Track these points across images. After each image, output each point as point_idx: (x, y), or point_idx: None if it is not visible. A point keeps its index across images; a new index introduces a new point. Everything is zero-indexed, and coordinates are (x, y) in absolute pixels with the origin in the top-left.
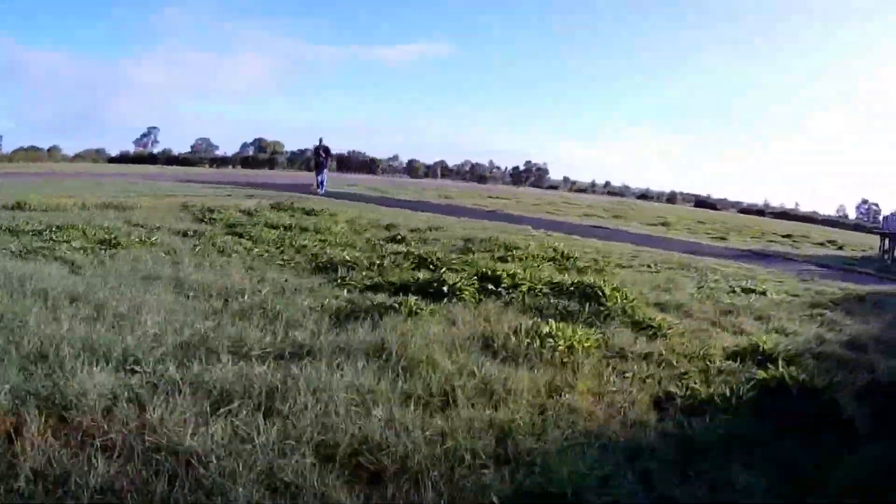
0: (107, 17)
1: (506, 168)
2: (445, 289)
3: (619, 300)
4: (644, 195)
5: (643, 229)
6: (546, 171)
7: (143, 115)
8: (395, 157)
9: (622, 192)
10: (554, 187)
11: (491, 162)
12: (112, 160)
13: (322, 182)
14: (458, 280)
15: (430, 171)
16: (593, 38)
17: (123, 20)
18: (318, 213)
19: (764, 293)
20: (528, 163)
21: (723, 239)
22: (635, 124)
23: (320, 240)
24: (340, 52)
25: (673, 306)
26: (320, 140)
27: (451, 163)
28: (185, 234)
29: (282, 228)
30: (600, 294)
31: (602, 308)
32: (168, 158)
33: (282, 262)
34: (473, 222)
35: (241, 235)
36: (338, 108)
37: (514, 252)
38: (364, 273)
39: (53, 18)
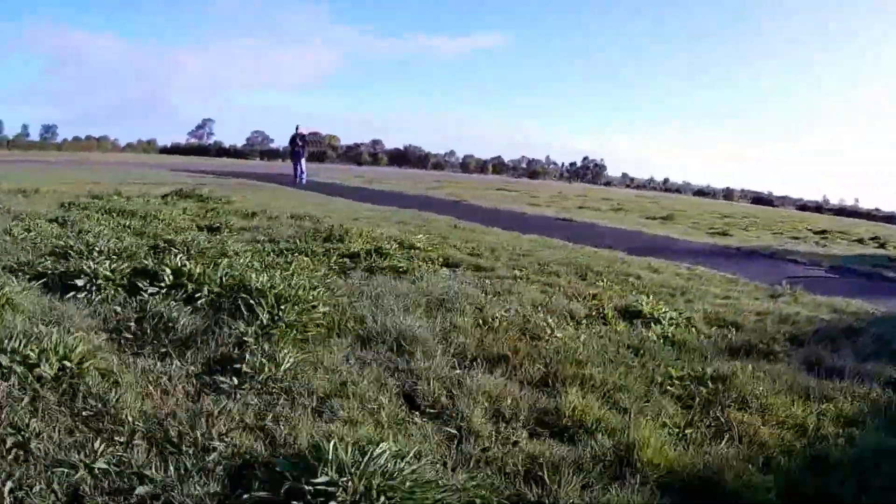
0: (166, 5)
1: (562, 164)
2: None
3: None
4: (701, 192)
5: (628, 224)
6: (603, 168)
7: (199, 107)
8: (452, 153)
9: (680, 188)
10: (608, 184)
11: (548, 158)
12: (163, 150)
13: (301, 172)
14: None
15: (485, 166)
16: (659, 32)
17: (182, 8)
18: (208, 199)
19: (658, 321)
20: (585, 159)
21: (725, 235)
22: (704, 124)
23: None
24: (398, 44)
25: None
26: (297, 128)
27: (507, 158)
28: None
29: (129, 216)
30: None
31: None
32: (219, 150)
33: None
34: (377, 211)
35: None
36: (395, 101)
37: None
38: None
39: (111, 7)
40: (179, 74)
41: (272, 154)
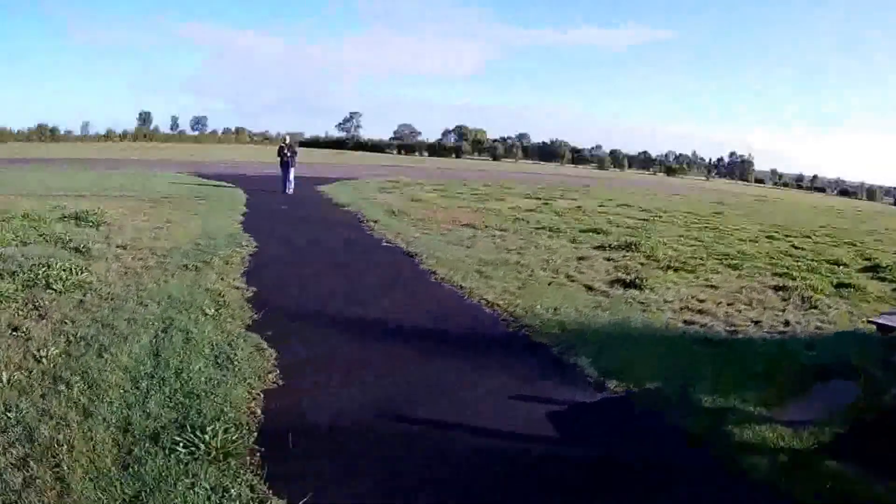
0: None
1: (709, 160)
2: None
3: None
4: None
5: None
6: (751, 164)
7: (350, 100)
8: (598, 147)
9: (826, 187)
10: (760, 181)
11: (694, 153)
12: (303, 144)
13: (288, 182)
14: None
15: (632, 161)
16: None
17: (332, 4)
18: None
19: None
20: (732, 154)
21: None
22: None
23: None
24: (549, 36)
25: None
26: (285, 139)
27: (654, 153)
28: None
29: None
30: None
31: None
32: (355, 144)
33: None
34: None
35: None
36: (545, 95)
37: None
38: None
39: (263, 2)
40: (333, 69)
41: (409, 148)
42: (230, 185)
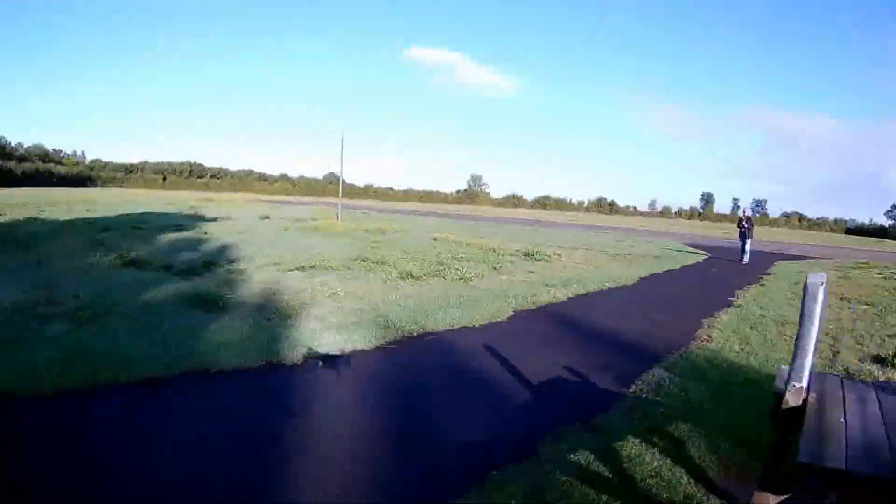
0: (866, 81)
1: None
2: None
3: None
4: None
5: None
6: None
7: None
8: None
9: None
10: None
11: None
12: (849, 231)
13: (744, 252)
14: None
15: None
16: None
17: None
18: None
19: None
20: None
21: None
22: None
23: None
24: None
25: None
26: (743, 210)
27: None
28: None
29: None
30: None
31: None
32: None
33: None
34: None
35: None
36: None
37: None
38: None
39: (821, 85)
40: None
41: None
42: (701, 252)
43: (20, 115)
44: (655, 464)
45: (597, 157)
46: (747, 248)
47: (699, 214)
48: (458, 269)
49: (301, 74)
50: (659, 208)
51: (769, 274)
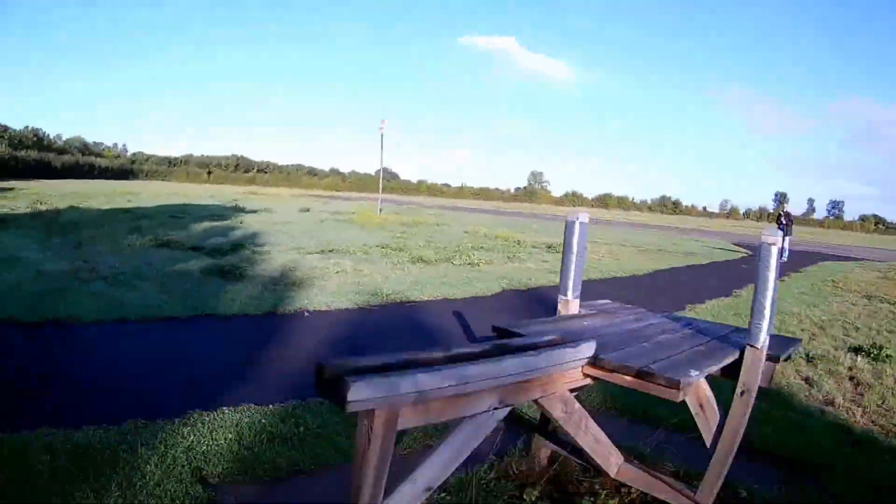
0: None
1: None
2: None
3: None
4: None
5: None
6: None
7: None
8: None
9: None
10: None
11: None
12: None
13: (783, 249)
14: None
15: None
16: None
17: None
18: None
19: None
20: None
21: None
22: None
23: None
24: None
25: None
26: (783, 207)
27: None
28: None
29: None
30: None
31: None
32: None
33: None
34: None
35: None
36: None
37: None
38: None
39: None
40: None
41: None
42: (745, 251)
43: (60, 108)
44: None
45: (664, 155)
46: (786, 245)
47: (768, 216)
48: (468, 256)
49: (350, 64)
50: (729, 209)
51: (799, 272)
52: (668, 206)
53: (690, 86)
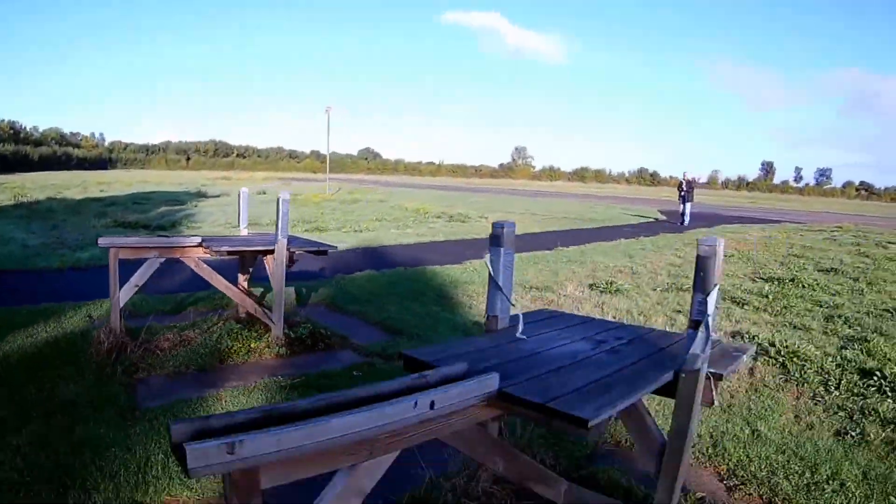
0: None
1: None
2: None
3: None
4: None
5: None
6: None
7: None
8: None
9: None
10: None
11: None
12: None
13: (684, 215)
14: None
15: None
16: None
17: None
18: None
19: None
20: None
21: None
22: None
23: None
24: None
25: None
26: (685, 175)
27: None
28: None
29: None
30: None
31: None
32: None
33: None
34: None
35: None
36: None
37: None
38: None
39: None
40: None
41: None
42: (656, 218)
43: (35, 100)
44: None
45: (652, 128)
46: (687, 210)
47: (747, 185)
48: (362, 225)
49: (326, 46)
50: (722, 181)
51: (657, 235)
52: (646, 178)
53: (679, 58)
